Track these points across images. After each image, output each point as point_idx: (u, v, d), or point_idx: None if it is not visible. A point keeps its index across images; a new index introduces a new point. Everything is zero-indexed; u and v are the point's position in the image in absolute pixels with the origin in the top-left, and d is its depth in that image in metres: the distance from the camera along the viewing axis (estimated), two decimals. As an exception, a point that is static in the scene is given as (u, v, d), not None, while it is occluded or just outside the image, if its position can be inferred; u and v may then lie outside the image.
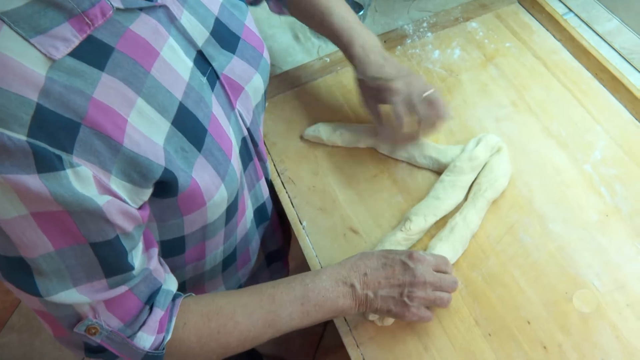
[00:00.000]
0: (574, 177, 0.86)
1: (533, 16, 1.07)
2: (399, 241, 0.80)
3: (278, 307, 0.65)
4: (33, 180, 0.45)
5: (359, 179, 0.90)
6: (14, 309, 1.84)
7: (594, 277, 0.77)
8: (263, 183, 0.84)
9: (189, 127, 0.59)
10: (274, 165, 0.94)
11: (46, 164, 0.46)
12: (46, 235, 0.48)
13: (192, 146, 0.59)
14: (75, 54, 0.49)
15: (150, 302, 0.59)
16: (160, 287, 0.61)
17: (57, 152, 0.46)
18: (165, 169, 0.55)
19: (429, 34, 1.08)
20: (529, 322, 0.74)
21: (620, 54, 1.00)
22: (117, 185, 0.51)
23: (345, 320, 0.77)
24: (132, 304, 0.57)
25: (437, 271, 0.70)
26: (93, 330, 0.55)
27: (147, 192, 0.55)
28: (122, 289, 0.55)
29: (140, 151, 0.53)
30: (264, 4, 0.99)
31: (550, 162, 0.88)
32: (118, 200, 0.51)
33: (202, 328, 0.61)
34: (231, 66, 0.69)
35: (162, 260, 0.64)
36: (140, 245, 0.58)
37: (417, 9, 1.15)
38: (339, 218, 0.87)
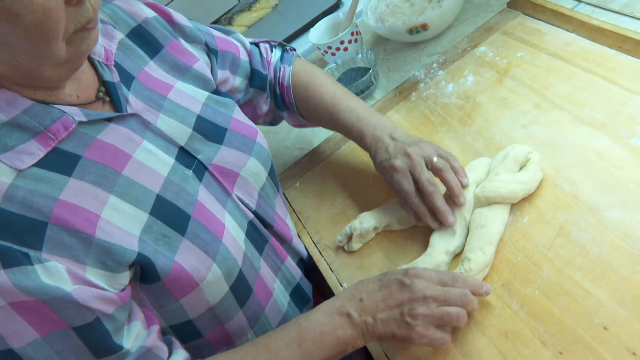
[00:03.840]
0: (622, 156, 0.75)
1: (540, 20, 1.02)
2: None
3: (275, 355, 0.61)
4: None
5: (392, 226, 0.85)
6: None
7: (673, 257, 0.63)
8: (291, 264, 0.82)
9: (169, 215, 0.62)
10: (310, 237, 0.93)
11: (11, 260, 0.49)
12: (28, 323, 0.51)
13: (173, 231, 0.61)
14: (41, 163, 0.54)
15: None
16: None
17: (24, 249, 0.50)
18: (139, 254, 0.57)
19: (440, 72, 1.06)
20: (605, 328, 0.61)
21: (645, 21, 0.90)
22: (94, 275, 0.54)
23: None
24: None
25: (443, 285, 0.63)
26: None
27: (126, 276, 0.57)
28: None
29: (114, 240, 0.56)
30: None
31: (590, 150, 0.78)
32: (90, 288, 0.53)
33: None
34: (220, 156, 0.73)
35: (170, 338, 0.64)
36: (137, 324, 0.59)
37: (427, 55, 1.15)
38: (379, 271, 0.82)
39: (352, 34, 1.21)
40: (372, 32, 1.32)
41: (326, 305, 0.64)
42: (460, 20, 1.16)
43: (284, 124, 1.07)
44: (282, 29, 1.54)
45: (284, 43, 1.00)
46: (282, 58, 0.97)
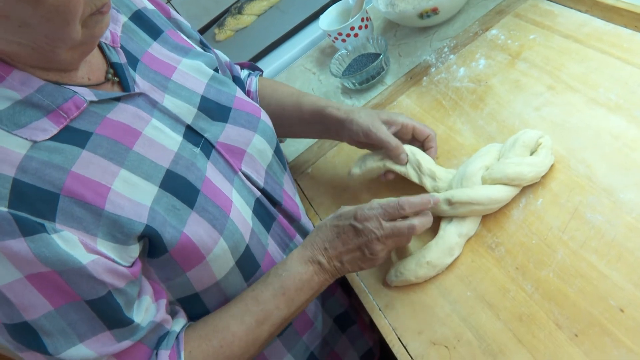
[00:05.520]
0: (637, 137, 0.73)
1: (552, 1, 1.00)
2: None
3: (264, 305, 0.67)
4: (18, 244, 0.50)
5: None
6: None
7: (690, 237, 0.62)
8: (300, 242, 0.83)
9: (178, 188, 0.64)
10: (323, 223, 0.93)
11: (30, 229, 0.51)
12: (43, 295, 0.52)
13: (183, 204, 0.63)
14: (54, 138, 0.56)
15: (158, 347, 0.61)
16: (167, 331, 0.63)
17: (39, 220, 0.52)
18: (147, 226, 0.58)
19: (452, 57, 1.05)
20: (622, 310, 0.61)
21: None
22: (104, 247, 0.56)
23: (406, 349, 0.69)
24: (143, 353, 0.59)
25: (391, 218, 0.70)
26: None
27: (135, 249, 0.59)
28: (128, 343, 0.58)
29: (123, 213, 0.57)
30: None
31: (605, 131, 0.77)
32: (105, 260, 0.55)
33: (206, 349, 0.64)
34: (226, 133, 0.74)
35: (175, 307, 0.68)
36: (147, 299, 0.61)
37: (438, 39, 1.13)
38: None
39: (362, 19, 1.20)
40: (382, 17, 1.31)
41: (298, 255, 0.71)
42: (471, 4, 1.15)
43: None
44: (292, 16, 1.54)
45: (254, 64, 1.04)
46: (249, 74, 1.01)
